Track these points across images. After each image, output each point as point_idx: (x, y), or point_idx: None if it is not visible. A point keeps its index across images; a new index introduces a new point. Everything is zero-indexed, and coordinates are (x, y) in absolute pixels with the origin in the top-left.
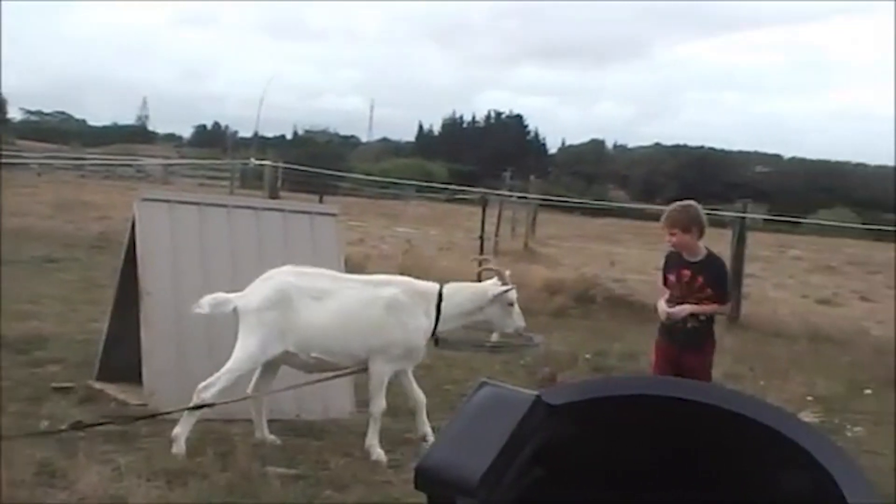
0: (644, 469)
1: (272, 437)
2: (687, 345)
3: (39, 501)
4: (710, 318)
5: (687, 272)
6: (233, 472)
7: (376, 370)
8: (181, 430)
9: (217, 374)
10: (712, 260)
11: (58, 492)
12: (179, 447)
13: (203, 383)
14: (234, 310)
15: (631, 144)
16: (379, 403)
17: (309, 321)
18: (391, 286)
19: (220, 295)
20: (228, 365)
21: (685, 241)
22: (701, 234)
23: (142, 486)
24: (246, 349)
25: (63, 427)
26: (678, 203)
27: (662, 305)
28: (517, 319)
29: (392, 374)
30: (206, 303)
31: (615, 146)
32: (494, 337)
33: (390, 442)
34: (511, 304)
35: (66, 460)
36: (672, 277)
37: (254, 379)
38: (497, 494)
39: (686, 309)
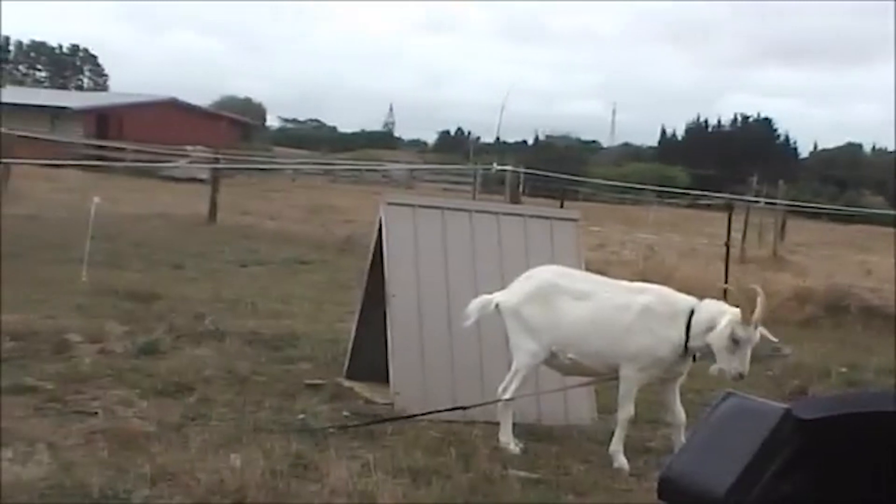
0: None
1: (515, 440)
2: None
3: (294, 492)
4: None
5: None
6: (474, 473)
7: (626, 376)
8: (505, 440)
9: (508, 377)
10: None
11: (310, 483)
12: (512, 448)
13: (500, 387)
14: (497, 307)
15: (892, 148)
16: (627, 410)
17: (566, 321)
18: (647, 294)
19: (483, 297)
20: (514, 367)
21: None
22: None
23: (388, 482)
24: (524, 348)
25: (328, 426)
26: None
27: None
28: (735, 363)
29: (642, 382)
30: (472, 310)
31: (874, 150)
32: (713, 370)
33: (631, 450)
34: (735, 342)
35: (318, 454)
36: None
37: (506, 380)
38: None
39: None
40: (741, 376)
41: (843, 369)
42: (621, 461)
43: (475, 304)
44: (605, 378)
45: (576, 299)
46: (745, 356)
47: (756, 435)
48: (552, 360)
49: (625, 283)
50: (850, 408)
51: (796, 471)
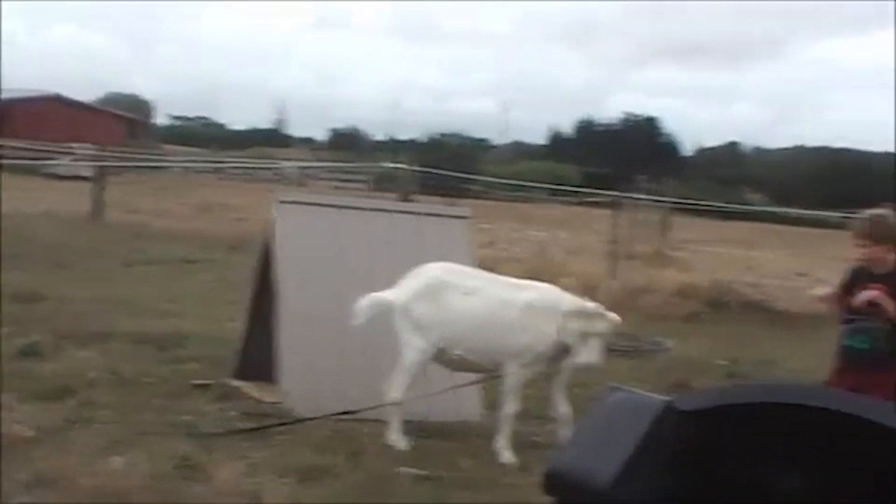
0: (778, 480)
1: (405, 437)
2: (866, 367)
3: (179, 494)
4: None
5: (876, 287)
6: (364, 472)
7: (509, 373)
8: (395, 437)
9: (395, 374)
10: None
11: (195, 485)
12: (402, 446)
13: (388, 384)
14: (386, 305)
15: (770, 146)
16: (511, 406)
17: (454, 317)
18: (530, 290)
19: (373, 295)
20: (403, 363)
21: (876, 253)
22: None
23: (275, 482)
24: (412, 345)
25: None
26: (870, 212)
27: (821, 292)
28: (587, 354)
29: (525, 378)
30: (362, 309)
31: (754, 148)
32: (573, 363)
33: (519, 445)
34: (583, 335)
35: (205, 455)
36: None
37: (393, 376)
38: (627, 499)
39: (872, 294)
40: (594, 367)
41: (724, 362)
42: (507, 456)
43: (365, 303)
44: (493, 375)
45: (464, 295)
46: (594, 348)
47: (639, 427)
48: (440, 356)
49: (512, 279)
50: (729, 399)
51: (679, 461)
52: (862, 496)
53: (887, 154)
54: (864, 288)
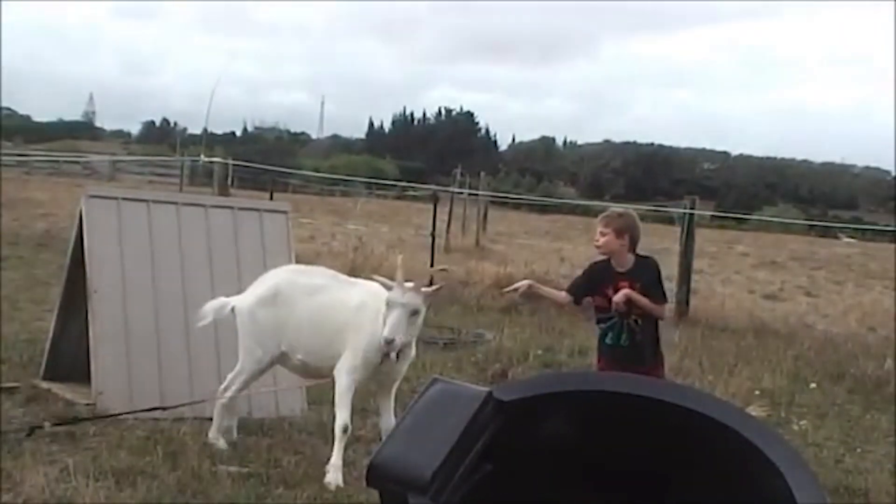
0: (594, 465)
1: (224, 437)
2: (631, 362)
3: None
4: (654, 332)
5: (624, 284)
6: (183, 471)
7: (338, 377)
8: (214, 436)
9: (229, 378)
10: (643, 263)
11: (1, 493)
12: (221, 444)
13: (222, 386)
14: (232, 310)
15: (580, 141)
16: (341, 418)
17: (293, 321)
18: (363, 288)
19: (221, 299)
20: (237, 368)
21: (614, 246)
22: (633, 245)
23: (89, 486)
24: (248, 351)
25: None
26: (618, 208)
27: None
28: (384, 329)
29: (356, 383)
30: (208, 311)
31: (565, 143)
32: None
33: None
34: (387, 306)
35: (11, 461)
36: (610, 292)
37: (228, 379)
38: (449, 491)
39: (626, 292)
40: (386, 342)
41: (540, 352)
42: (336, 479)
43: (211, 306)
44: (317, 378)
45: (305, 296)
46: (390, 319)
47: (460, 418)
48: (285, 361)
49: (352, 278)
50: (546, 388)
51: (499, 450)
52: (679, 477)
53: (689, 149)
54: (615, 286)
